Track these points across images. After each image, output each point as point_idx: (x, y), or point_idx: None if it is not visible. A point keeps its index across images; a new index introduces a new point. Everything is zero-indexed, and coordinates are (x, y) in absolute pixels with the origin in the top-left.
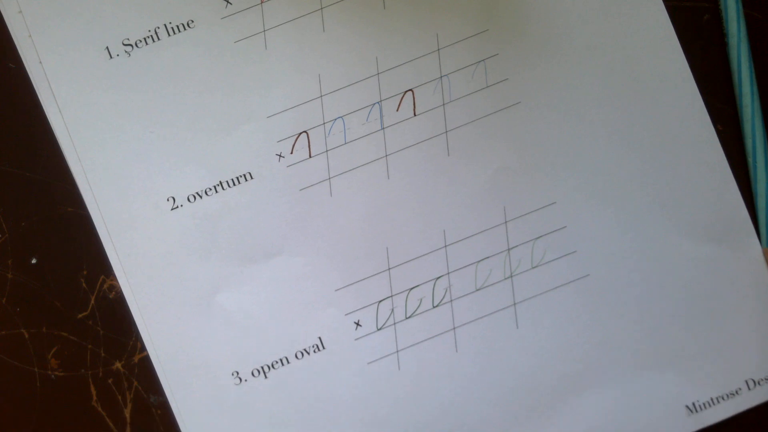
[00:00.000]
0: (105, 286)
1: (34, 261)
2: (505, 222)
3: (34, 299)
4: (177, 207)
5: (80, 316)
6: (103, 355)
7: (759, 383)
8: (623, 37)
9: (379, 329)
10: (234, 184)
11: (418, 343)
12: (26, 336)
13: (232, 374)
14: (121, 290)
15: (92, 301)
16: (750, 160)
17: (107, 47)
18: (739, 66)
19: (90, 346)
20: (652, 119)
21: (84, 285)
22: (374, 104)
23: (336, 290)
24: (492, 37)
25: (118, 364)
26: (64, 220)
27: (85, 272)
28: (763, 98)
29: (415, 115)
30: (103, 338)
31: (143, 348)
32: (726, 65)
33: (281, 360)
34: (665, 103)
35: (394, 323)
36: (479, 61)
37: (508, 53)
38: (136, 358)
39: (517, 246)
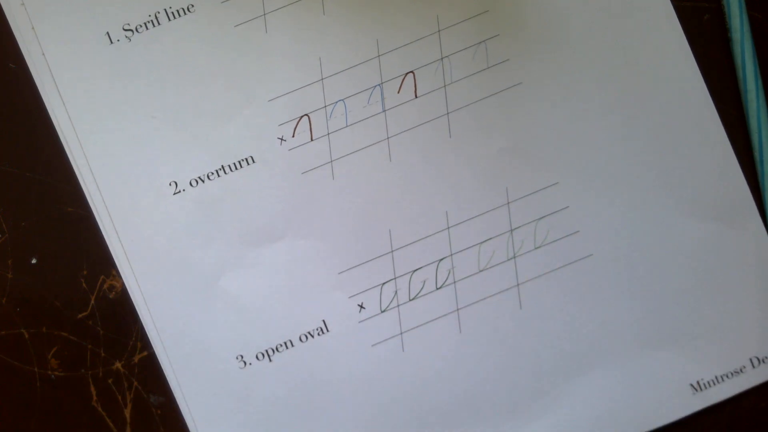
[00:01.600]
0: (105, 285)
1: (34, 261)
2: (508, 203)
3: (35, 299)
4: (179, 192)
5: (80, 316)
6: (103, 355)
7: (763, 361)
8: (624, 18)
9: (383, 311)
10: (236, 168)
11: (421, 324)
12: (26, 336)
13: (237, 358)
14: (120, 290)
15: (92, 301)
16: (756, 154)
17: (107, 33)
18: (743, 62)
19: (90, 346)
20: (654, 99)
21: (84, 285)
22: (375, 86)
23: (339, 273)
24: (492, 17)
25: (118, 364)
26: (64, 220)
27: (85, 272)
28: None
29: (416, 96)
30: (103, 338)
31: (143, 348)
32: (727, 64)
33: (285, 343)
34: (666, 82)
35: (398, 305)
36: (480, 42)
37: (509, 34)
38: (136, 358)
39: (519, 227)
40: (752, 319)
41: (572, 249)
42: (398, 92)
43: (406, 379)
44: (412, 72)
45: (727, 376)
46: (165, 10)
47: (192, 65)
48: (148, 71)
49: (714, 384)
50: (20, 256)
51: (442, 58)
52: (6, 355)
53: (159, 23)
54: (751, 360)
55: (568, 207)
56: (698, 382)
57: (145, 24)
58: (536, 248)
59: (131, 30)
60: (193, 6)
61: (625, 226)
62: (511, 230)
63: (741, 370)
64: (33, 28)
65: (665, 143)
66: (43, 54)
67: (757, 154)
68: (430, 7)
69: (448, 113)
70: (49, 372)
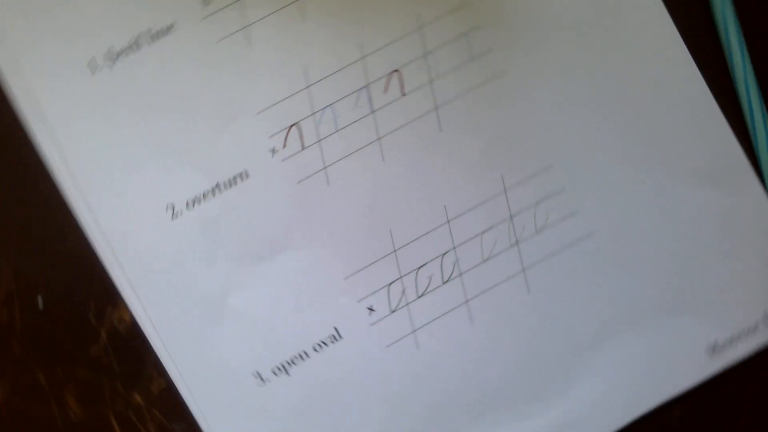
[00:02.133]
0: (114, 317)
1: (40, 301)
2: (505, 190)
3: (45, 341)
4: (177, 215)
5: (93, 351)
6: (121, 388)
7: None
8: None
9: (392, 312)
10: (231, 185)
11: (433, 320)
12: (42, 378)
13: (254, 375)
14: (130, 321)
15: (103, 335)
16: (747, 116)
17: (89, 63)
18: (725, 24)
19: (107, 381)
20: (639, 72)
21: (93, 320)
22: (362, 89)
23: (345, 278)
24: (473, 10)
25: (137, 396)
26: (66, 256)
27: (92, 306)
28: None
29: (403, 95)
30: (119, 371)
31: (159, 375)
32: (710, 33)
33: (300, 355)
34: (650, 54)
35: (407, 304)
36: (462, 35)
37: (491, 25)
38: (153, 388)
39: (519, 213)
40: (759, 277)
41: (573, 229)
42: (385, 92)
43: (423, 376)
44: (397, 71)
45: (743, 334)
46: (145, 32)
47: (177, 86)
48: (133, 98)
49: (730, 344)
50: (27, 298)
51: (425, 54)
52: (25, 400)
53: (140, 47)
54: (765, 316)
55: (564, 188)
56: (714, 346)
57: (125, 50)
58: (537, 232)
59: (112, 58)
60: (172, 26)
61: (623, 201)
62: (511, 217)
63: (755, 328)
64: (17, 65)
65: (654, 115)
66: (30, 91)
67: (747, 114)
68: (410, 4)
69: (436, 108)
70: (69, 411)
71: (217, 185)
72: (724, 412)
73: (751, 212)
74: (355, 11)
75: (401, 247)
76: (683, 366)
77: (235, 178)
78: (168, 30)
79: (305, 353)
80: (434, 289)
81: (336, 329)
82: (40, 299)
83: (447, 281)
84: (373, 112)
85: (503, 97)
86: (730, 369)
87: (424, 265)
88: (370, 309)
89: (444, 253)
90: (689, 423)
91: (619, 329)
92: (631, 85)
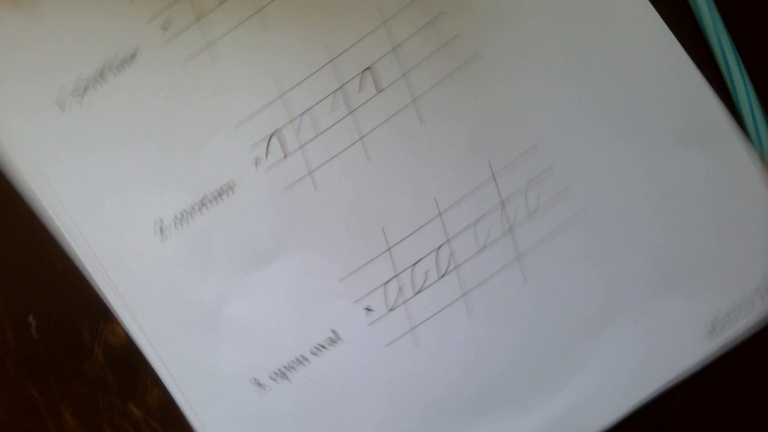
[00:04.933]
0: (107, 331)
1: (32, 322)
2: (493, 176)
3: (38, 359)
4: (166, 231)
5: (87, 365)
6: (116, 400)
7: None
8: None
9: (390, 310)
10: (218, 198)
11: (431, 316)
12: (36, 396)
13: (251, 381)
14: (123, 334)
15: (96, 349)
16: (723, 71)
17: (57, 101)
18: None
19: (102, 394)
20: (614, 41)
21: (86, 335)
22: (336, 90)
23: (341, 280)
24: None
25: (134, 408)
26: (56, 278)
27: (85, 323)
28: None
29: (379, 91)
30: (114, 385)
31: (154, 385)
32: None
33: (298, 359)
34: (623, 22)
35: (404, 302)
36: (428, 23)
37: (456, 8)
38: (149, 398)
39: (509, 197)
40: (750, 244)
41: (565, 209)
42: (360, 91)
43: (424, 373)
44: (369, 68)
45: (741, 308)
46: (110, 62)
47: (149, 113)
48: (107, 129)
49: (728, 322)
50: (18, 317)
51: (394, 48)
52: (20, 418)
53: (106, 81)
54: (758, 292)
55: (551, 165)
56: (713, 323)
57: (92, 84)
58: (530, 215)
59: (80, 93)
60: (135, 54)
61: (611, 175)
62: (502, 202)
63: (752, 301)
64: None
65: (633, 83)
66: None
67: (723, 70)
68: (371, 1)
69: (414, 100)
70: (66, 426)
71: (203, 199)
72: (723, 400)
73: (737, 172)
74: (316, 15)
75: (395, 245)
76: (683, 347)
77: (220, 191)
78: (132, 59)
79: (304, 357)
80: (431, 285)
81: (334, 331)
82: (32, 320)
83: (443, 276)
84: (351, 112)
85: (480, 82)
86: (729, 357)
87: (420, 260)
88: (368, 309)
89: (438, 247)
90: (688, 412)
91: (617, 314)
92: (605, 55)
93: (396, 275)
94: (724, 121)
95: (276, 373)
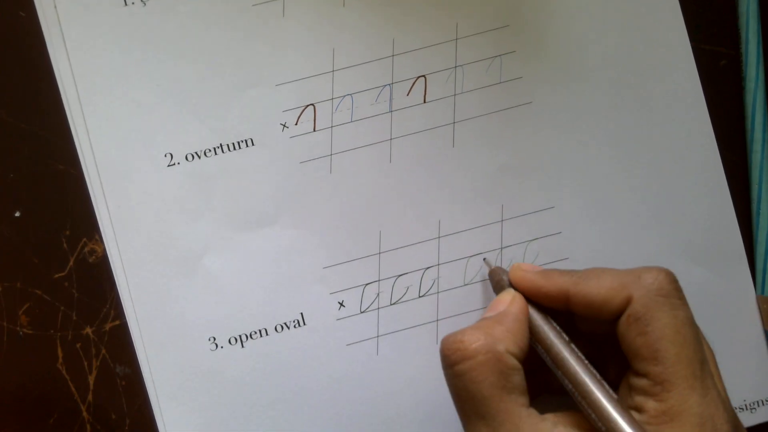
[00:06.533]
0: (86, 248)
1: (17, 214)
2: (502, 220)
3: (13, 253)
4: (174, 164)
5: (57, 276)
6: (74, 318)
7: (759, 404)
8: (642, 52)
9: (362, 312)
10: (234, 149)
11: (399, 330)
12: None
13: (209, 339)
14: (101, 255)
15: (71, 263)
16: (754, 206)
17: None
18: (753, 111)
19: (62, 308)
20: (659, 137)
21: (65, 245)
22: (385, 86)
23: (324, 267)
24: (511, 33)
25: (88, 330)
26: (53, 177)
27: (67, 232)
28: None
29: (425, 101)
30: (77, 302)
31: (116, 317)
32: (738, 112)
33: (260, 331)
34: (674, 122)
35: (378, 308)
36: (496, 56)
37: (526, 52)
38: (107, 326)
39: (510, 246)
40: (741, 365)
41: None
42: (407, 94)
43: (377, 383)
44: (424, 76)
45: None
46: None
47: (204, 38)
48: (159, 39)
49: None
50: (4, 208)
51: (455, 67)
52: None
53: None
54: (745, 403)
55: (561, 232)
56: None
57: None
58: None
59: None
60: None
61: (615, 259)
62: (502, 248)
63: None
64: None
65: (665, 183)
66: (55, 6)
67: (755, 205)
68: (451, 14)
69: (454, 122)
70: (18, 328)
71: (220, 146)
72: None
73: (735, 301)
74: (394, 7)
75: (387, 251)
76: None
77: (239, 142)
78: None
79: (265, 330)
80: (408, 301)
81: (302, 315)
82: (18, 212)
83: (423, 296)
84: (391, 111)
85: (522, 127)
86: None
87: (405, 274)
88: (341, 304)
89: (427, 268)
90: None
91: None
92: (649, 149)
93: (378, 280)
94: (739, 255)
95: (235, 339)
